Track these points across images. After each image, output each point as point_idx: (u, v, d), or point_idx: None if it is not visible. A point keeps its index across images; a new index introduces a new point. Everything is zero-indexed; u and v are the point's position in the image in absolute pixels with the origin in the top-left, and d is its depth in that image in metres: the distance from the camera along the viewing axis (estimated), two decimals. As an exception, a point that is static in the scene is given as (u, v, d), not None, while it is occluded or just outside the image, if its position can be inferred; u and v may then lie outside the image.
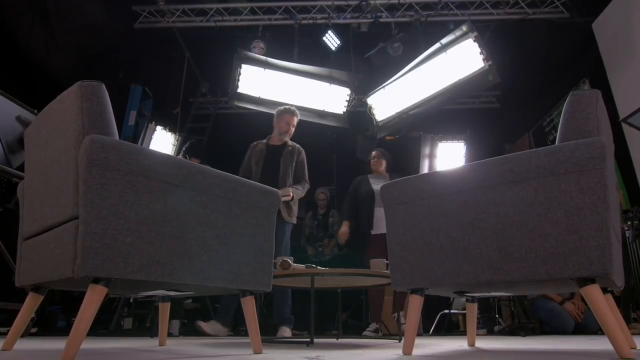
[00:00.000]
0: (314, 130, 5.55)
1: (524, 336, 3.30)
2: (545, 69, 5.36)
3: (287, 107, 3.48)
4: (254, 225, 1.60)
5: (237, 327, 3.86)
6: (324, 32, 5.03)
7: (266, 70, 4.92)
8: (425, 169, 5.46)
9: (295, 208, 3.39)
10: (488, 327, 4.20)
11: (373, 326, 3.63)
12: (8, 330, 1.59)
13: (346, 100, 5.34)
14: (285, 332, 3.17)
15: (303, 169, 3.47)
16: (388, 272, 2.39)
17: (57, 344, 2.09)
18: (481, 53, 4.35)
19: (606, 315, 1.20)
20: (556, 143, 1.37)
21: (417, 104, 5.01)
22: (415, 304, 1.51)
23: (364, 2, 4.83)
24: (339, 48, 5.12)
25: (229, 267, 1.50)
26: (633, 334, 2.25)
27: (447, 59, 4.59)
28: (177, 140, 5.62)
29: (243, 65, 4.84)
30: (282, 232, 3.22)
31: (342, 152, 6.45)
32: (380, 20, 4.96)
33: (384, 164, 3.90)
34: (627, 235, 3.49)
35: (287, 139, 3.48)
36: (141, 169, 1.28)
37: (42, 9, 4.20)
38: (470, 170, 1.45)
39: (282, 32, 5.14)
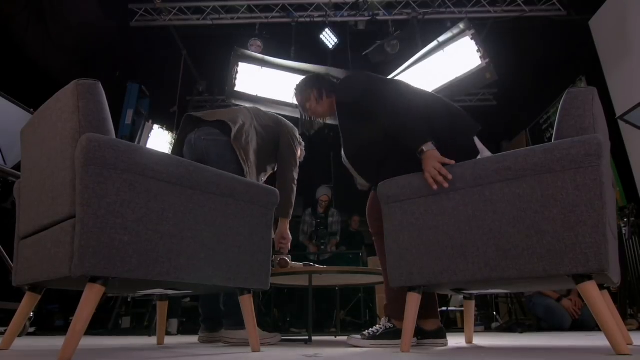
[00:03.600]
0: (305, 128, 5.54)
1: (521, 333, 3.32)
2: (542, 67, 5.37)
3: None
4: (251, 224, 1.60)
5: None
6: (321, 30, 5.02)
7: (263, 68, 4.92)
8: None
9: None
10: (485, 324, 4.22)
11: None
12: (5, 330, 1.58)
13: (344, 98, 5.33)
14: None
15: None
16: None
17: (54, 343, 2.08)
18: (478, 51, 4.36)
19: (603, 311, 1.21)
20: (553, 140, 1.37)
21: (415, 101, 5.01)
22: (413, 302, 1.52)
23: (361, 0, 4.83)
24: (336, 46, 5.11)
25: (227, 265, 1.50)
26: (629, 330, 2.26)
27: (444, 57, 4.60)
28: (174, 139, 5.60)
29: (240, 64, 4.83)
30: None
31: (339, 150, 6.43)
32: (378, 18, 4.97)
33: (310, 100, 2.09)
34: (624, 232, 3.51)
35: None
36: (138, 168, 1.28)
37: (38, 7, 4.18)
38: (467, 168, 1.45)
39: (280, 30, 5.13)
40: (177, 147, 2.28)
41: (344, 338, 2.07)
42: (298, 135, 2.43)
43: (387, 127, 1.67)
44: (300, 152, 2.56)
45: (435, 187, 1.47)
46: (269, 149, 2.30)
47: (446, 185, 1.45)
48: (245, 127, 2.19)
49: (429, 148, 1.52)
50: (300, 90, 2.13)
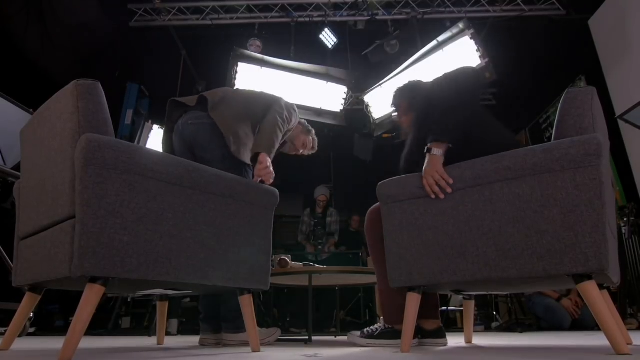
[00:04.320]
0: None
1: (521, 332, 3.32)
2: (542, 66, 5.37)
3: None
4: (251, 224, 1.60)
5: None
6: (320, 30, 5.02)
7: (263, 68, 4.91)
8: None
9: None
10: (485, 324, 4.22)
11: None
12: (5, 330, 1.58)
13: (343, 98, 5.35)
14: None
15: None
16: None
17: (55, 344, 2.08)
18: (478, 50, 4.36)
19: (602, 311, 1.21)
20: (552, 140, 1.37)
21: (414, 101, 5.01)
22: (412, 302, 1.52)
23: (360, 0, 4.82)
24: (335, 46, 5.11)
25: (227, 265, 1.50)
26: (629, 329, 2.26)
27: (444, 57, 4.59)
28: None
29: (240, 64, 4.83)
30: None
31: (339, 150, 6.45)
32: (377, 17, 4.96)
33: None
34: (624, 231, 3.51)
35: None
36: (138, 168, 1.28)
37: (37, 7, 4.18)
38: (466, 168, 1.45)
39: (279, 30, 5.13)
40: (167, 135, 2.16)
41: (344, 338, 2.08)
42: (297, 113, 2.25)
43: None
44: (311, 141, 2.46)
45: (432, 196, 1.47)
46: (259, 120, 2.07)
47: (442, 196, 1.45)
48: (227, 98, 2.06)
49: (438, 152, 1.49)
50: (395, 97, 2.03)
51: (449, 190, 1.44)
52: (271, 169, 1.87)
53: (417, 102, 1.82)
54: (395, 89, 2.06)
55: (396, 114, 2.03)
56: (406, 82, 2.07)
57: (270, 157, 1.91)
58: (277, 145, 2.00)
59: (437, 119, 1.52)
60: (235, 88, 2.28)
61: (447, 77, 1.61)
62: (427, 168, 1.49)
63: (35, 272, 1.41)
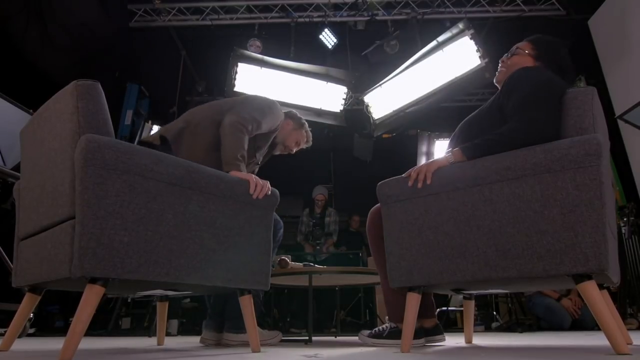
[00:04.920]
0: (311, 129, 5.55)
1: (521, 332, 3.32)
2: (542, 66, 5.37)
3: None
4: (251, 224, 1.60)
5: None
6: (320, 30, 5.02)
7: (263, 68, 4.91)
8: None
9: None
10: (485, 324, 4.22)
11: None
12: (5, 331, 1.58)
13: (343, 99, 5.35)
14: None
15: None
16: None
17: (54, 344, 2.08)
18: (478, 51, 4.36)
19: (602, 311, 1.21)
20: (552, 140, 1.37)
21: (414, 101, 5.01)
22: (412, 302, 1.52)
23: (360, 0, 4.82)
24: (335, 46, 5.11)
25: (227, 266, 1.50)
26: (629, 329, 2.26)
27: (443, 57, 4.60)
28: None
29: (239, 64, 4.83)
30: None
31: (339, 150, 6.45)
32: (377, 18, 4.96)
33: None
34: (623, 231, 3.51)
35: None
36: (138, 168, 1.28)
37: (36, 7, 4.18)
38: (467, 168, 1.45)
39: (279, 30, 5.13)
40: None
41: (344, 338, 2.08)
42: (277, 110, 2.03)
43: None
44: (304, 135, 2.29)
45: (405, 175, 1.56)
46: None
47: (411, 183, 1.52)
48: (193, 125, 1.87)
49: (451, 159, 1.49)
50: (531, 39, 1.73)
51: (419, 185, 1.50)
52: (258, 182, 1.63)
53: (532, 75, 1.51)
54: (540, 37, 1.74)
55: (515, 49, 1.76)
56: (548, 41, 1.71)
57: (241, 170, 1.70)
58: (244, 153, 1.78)
59: (487, 143, 1.43)
60: (209, 103, 1.92)
61: (545, 110, 1.39)
62: (431, 160, 1.55)
63: (35, 272, 1.41)
